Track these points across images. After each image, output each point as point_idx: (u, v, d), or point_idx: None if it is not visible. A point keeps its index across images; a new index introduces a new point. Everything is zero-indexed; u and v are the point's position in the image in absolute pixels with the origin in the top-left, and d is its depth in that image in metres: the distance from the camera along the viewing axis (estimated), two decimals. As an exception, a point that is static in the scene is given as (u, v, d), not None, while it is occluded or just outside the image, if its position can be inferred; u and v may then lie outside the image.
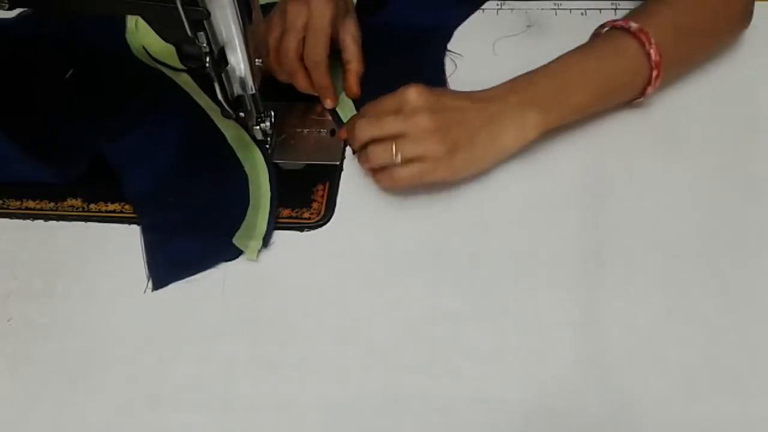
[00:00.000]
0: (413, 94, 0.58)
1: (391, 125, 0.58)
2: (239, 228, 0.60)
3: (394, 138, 0.58)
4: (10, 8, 0.54)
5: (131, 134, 0.67)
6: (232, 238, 0.60)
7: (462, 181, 0.61)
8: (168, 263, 0.59)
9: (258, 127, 0.64)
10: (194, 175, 0.64)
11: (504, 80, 0.61)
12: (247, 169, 0.64)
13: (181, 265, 0.59)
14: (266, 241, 0.60)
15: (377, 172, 0.60)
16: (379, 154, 0.59)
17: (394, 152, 0.57)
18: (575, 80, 0.61)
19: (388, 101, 0.59)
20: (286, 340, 0.55)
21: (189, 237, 0.60)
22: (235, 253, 0.59)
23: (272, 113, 0.65)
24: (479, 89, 0.61)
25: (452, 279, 0.57)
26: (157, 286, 0.58)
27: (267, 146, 0.65)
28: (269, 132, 0.65)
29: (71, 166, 0.65)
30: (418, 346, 0.54)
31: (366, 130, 0.59)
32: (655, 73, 0.61)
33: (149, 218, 0.62)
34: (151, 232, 0.61)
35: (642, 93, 0.63)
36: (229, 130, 0.66)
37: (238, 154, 0.65)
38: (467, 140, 0.58)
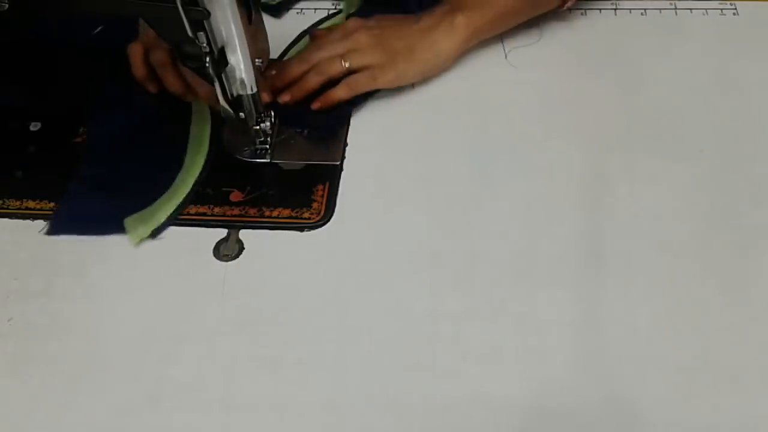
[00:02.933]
0: (352, 21, 0.69)
1: (335, 46, 0.67)
2: (143, 209, 0.62)
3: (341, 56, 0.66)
4: (10, 8, 0.54)
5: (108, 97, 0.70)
6: (131, 213, 0.61)
7: (409, 83, 0.68)
8: (74, 215, 0.62)
9: (258, 127, 0.64)
10: (139, 146, 0.67)
11: (504, 84, 0.63)
12: (186, 160, 0.65)
13: (83, 221, 0.61)
14: (155, 234, 0.61)
15: (325, 94, 0.66)
16: (329, 65, 0.66)
17: (342, 63, 0.66)
18: None
19: (329, 35, 0.69)
20: (286, 340, 0.55)
21: (104, 198, 0.63)
22: (121, 230, 0.61)
23: (272, 113, 0.65)
24: (477, 92, 0.61)
25: (452, 279, 0.57)
26: (51, 231, 0.61)
27: (266, 146, 0.65)
28: (269, 132, 0.65)
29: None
30: (418, 346, 0.54)
31: (315, 54, 0.67)
32: None
33: (85, 169, 0.65)
34: (78, 181, 0.64)
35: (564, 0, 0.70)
36: (199, 120, 0.68)
37: (189, 144, 0.66)
38: (405, 48, 0.67)
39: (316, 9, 0.78)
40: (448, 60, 0.69)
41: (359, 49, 0.66)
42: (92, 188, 0.63)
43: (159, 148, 0.67)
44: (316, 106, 0.67)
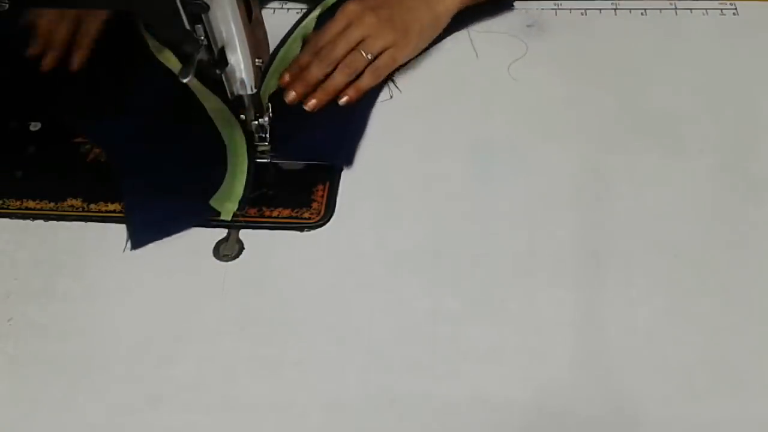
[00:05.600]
0: (351, 5, 0.68)
1: (348, 36, 0.66)
2: (216, 192, 0.63)
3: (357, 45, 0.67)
4: (11, 8, 0.54)
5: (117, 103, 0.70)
6: (209, 200, 0.62)
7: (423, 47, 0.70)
8: (147, 224, 0.61)
9: (256, 123, 0.63)
10: (172, 141, 0.67)
11: (504, 84, 0.63)
12: (225, 138, 0.66)
13: (159, 226, 0.61)
14: (242, 206, 0.62)
15: (353, 87, 0.67)
16: (355, 61, 0.66)
17: (364, 54, 0.66)
18: None
19: (334, 25, 0.68)
20: (286, 340, 0.55)
21: (167, 199, 0.62)
22: (209, 214, 0.61)
23: (269, 107, 0.64)
24: (477, 92, 0.61)
25: (452, 279, 0.57)
26: (135, 245, 0.60)
27: (266, 143, 0.65)
28: (267, 127, 0.64)
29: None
30: (418, 346, 0.54)
31: (332, 51, 0.67)
32: None
33: (129, 180, 0.64)
34: (131, 194, 0.63)
35: None
36: (209, 101, 0.69)
37: (217, 124, 0.67)
38: (413, 20, 0.68)
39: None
40: (445, 21, 0.71)
41: (372, 33, 0.66)
42: (148, 196, 0.63)
43: (189, 137, 0.67)
44: (344, 101, 0.67)
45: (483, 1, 0.73)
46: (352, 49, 0.67)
